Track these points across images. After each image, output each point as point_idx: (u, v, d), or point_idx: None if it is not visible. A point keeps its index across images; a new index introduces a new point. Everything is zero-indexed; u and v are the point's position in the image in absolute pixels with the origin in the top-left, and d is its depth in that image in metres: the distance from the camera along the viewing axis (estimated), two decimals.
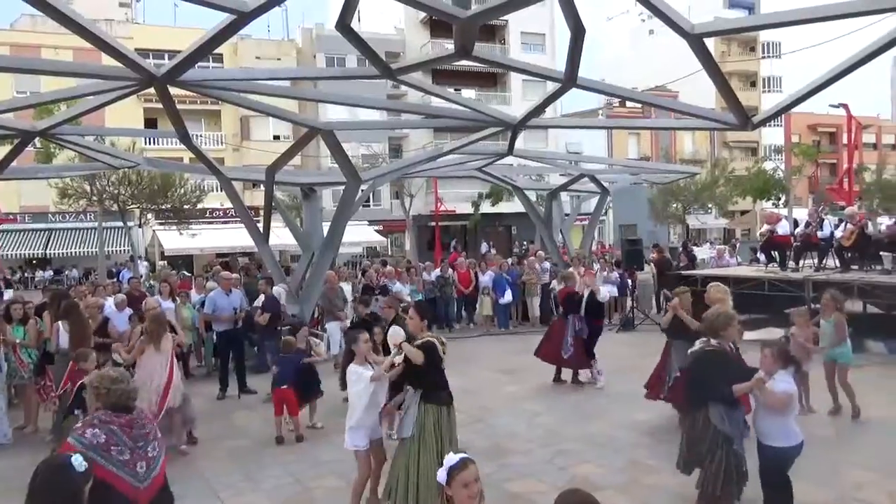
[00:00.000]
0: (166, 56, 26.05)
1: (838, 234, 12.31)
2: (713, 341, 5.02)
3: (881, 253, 12.02)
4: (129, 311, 9.58)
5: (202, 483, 6.32)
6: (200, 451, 7.20)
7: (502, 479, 6.14)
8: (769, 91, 52.37)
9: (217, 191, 27.32)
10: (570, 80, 7.72)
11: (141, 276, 18.24)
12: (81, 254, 30.97)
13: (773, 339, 4.95)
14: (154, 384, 6.80)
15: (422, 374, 5.03)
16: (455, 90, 29.25)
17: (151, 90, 7.81)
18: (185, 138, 9.72)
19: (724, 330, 5.00)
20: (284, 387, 7.54)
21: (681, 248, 20.49)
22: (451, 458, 2.85)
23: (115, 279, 20.30)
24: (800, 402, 7.44)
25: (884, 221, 12.83)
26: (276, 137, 34.62)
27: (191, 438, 7.44)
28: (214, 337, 10.40)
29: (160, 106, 8.60)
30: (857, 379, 9.36)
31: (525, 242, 28.58)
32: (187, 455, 7.00)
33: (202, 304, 10.74)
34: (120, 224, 26.33)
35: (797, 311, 8.05)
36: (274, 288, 10.69)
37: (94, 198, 23.58)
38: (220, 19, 6.21)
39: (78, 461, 2.77)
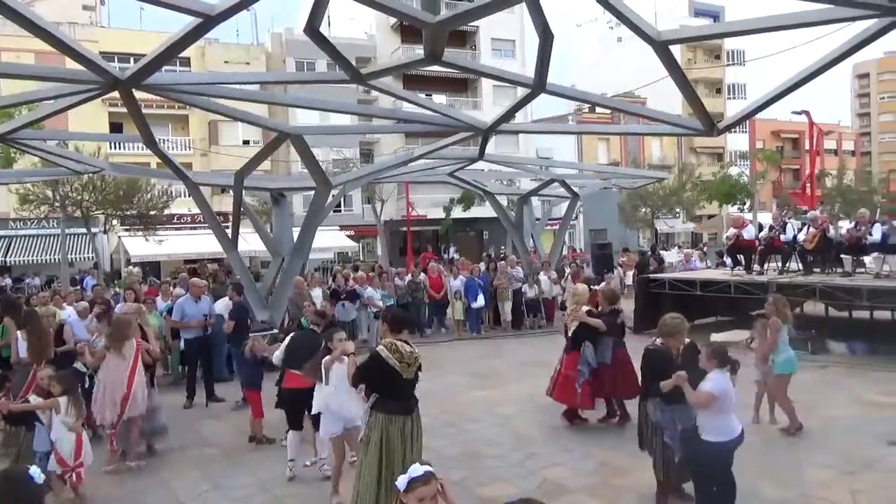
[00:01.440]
0: (132, 60, 25.63)
1: (801, 237, 12.59)
2: (658, 341, 5.40)
3: (842, 256, 12.31)
4: (91, 318, 9.37)
5: (168, 494, 6.20)
6: (166, 461, 7.06)
7: (474, 483, 6.14)
8: (734, 98, 53.49)
9: (185, 196, 26.90)
10: (539, 85, 7.78)
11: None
12: (43, 261, 30.17)
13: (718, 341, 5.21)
14: (115, 392, 6.61)
15: (370, 383, 4.98)
16: (426, 95, 29.24)
17: (116, 94, 7.67)
18: (151, 143, 9.55)
19: (672, 336, 5.33)
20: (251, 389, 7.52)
21: (649, 252, 20.80)
22: (416, 469, 2.82)
23: (78, 287, 19.82)
24: (756, 411, 7.59)
25: (844, 225, 13.14)
26: (246, 142, 34.25)
27: (150, 450, 7.28)
28: (182, 344, 10.23)
29: (125, 110, 8.45)
30: (820, 380, 9.62)
31: (503, 248, 28.61)
32: (142, 468, 6.83)
33: (169, 311, 10.56)
34: (84, 230, 25.77)
35: (759, 322, 7.88)
36: (217, 303, 10.48)
37: (57, 204, 23.03)
38: (186, 23, 6.13)
39: (36, 473, 2.73)
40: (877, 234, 11.53)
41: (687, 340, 5.36)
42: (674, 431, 5.13)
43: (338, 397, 5.60)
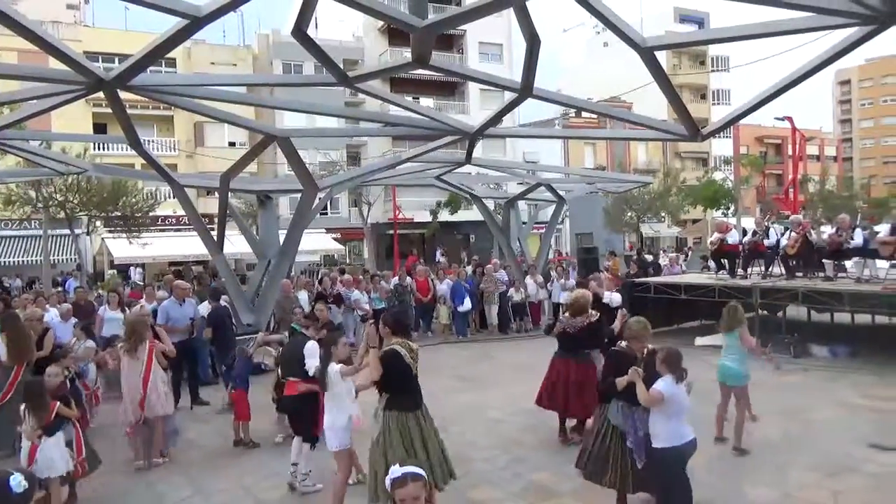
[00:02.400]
0: (117, 60, 25.46)
1: (784, 242, 12.73)
2: (623, 343, 5.44)
3: (824, 260, 12.45)
4: (74, 320, 9.28)
5: (152, 497, 6.15)
6: (153, 464, 6.99)
7: (462, 486, 6.13)
8: (718, 103, 54.04)
9: (170, 198, 26.73)
10: (526, 89, 7.82)
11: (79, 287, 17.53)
12: (25, 263, 29.81)
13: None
14: (132, 393, 6.71)
15: (384, 381, 4.99)
16: (413, 99, 29.29)
17: (101, 94, 7.61)
18: (135, 144, 9.48)
19: (636, 339, 5.29)
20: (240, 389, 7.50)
21: (635, 256, 20.92)
22: (395, 471, 2.79)
23: (60, 288, 19.61)
24: (723, 419, 7.19)
25: (826, 230, 13.30)
26: (232, 144, 34.06)
27: (162, 454, 7.22)
28: None
29: (110, 111, 8.38)
30: (802, 383, 9.73)
31: (475, 256, 28.47)
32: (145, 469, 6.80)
33: (154, 313, 10.45)
34: (67, 232, 25.49)
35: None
36: (201, 306, 10.43)
37: (40, 205, 22.76)
38: (173, 23, 6.10)
39: (17, 481, 2.66)
40: (858, 238, 11.67)
41: (650, 346, 5.28)
42: (635, 436, 5.11)
43: (347, 405, 5.46)
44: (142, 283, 21.29)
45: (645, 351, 5.21)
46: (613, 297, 8.69)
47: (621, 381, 4.99)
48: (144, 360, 6.82)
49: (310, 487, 6.10)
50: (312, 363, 6.04)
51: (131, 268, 28.89)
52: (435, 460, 5.00)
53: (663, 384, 4.75)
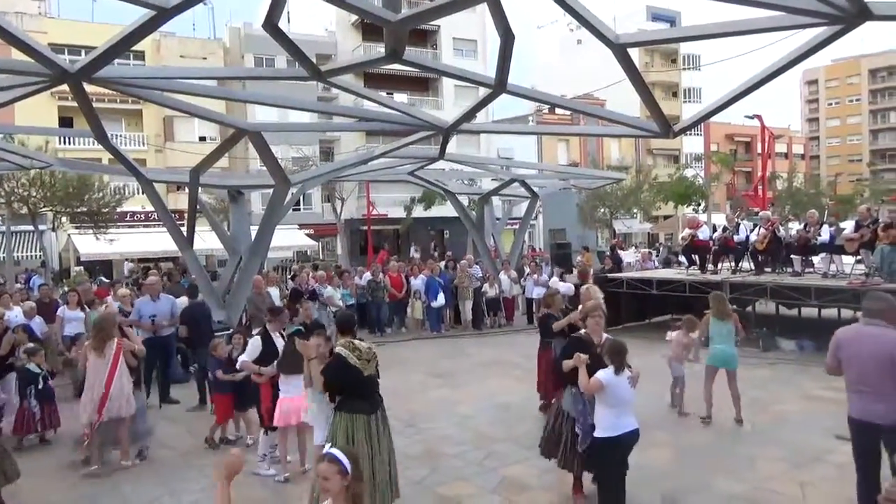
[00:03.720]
0: (83, 52, 24.83)
1: (753, 238, 12.94)
2: (583, 331, 5.63)
3: (792, 256, 12.69)
4: (38, 319, 9.06)
5: (119, 499, 6.02)
6: (119, 465, 6.85)
7: (434, 482, 6.14)
8: (690, 101, 54.68)
9: (138, 193, 26.23)
10: (500, 85, 7.81)
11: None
12: None
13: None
14: (95, 392, 6.53)
15: (333, 389, 4.96)
16: (387, 94, 29.12)
17: (66, 87, 7.42)
18: (101, 138, 9.27)
19: (588, 313, 5.64)
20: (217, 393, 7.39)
21: (608, 251, 21.09)
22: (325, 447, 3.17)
23: (24, 285, 19.12)
24: (676, 404, 8.01)
25: (794, 227, 13.56)
26: (202, 139, 33.54)
27: (140, 455, 7.07)
28: None
29: (76, 104, 8.19)
30: (770, 376, 9.91)
31: (448, 251, 28.49)
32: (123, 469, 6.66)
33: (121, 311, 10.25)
34: (31, 228, 24.86)
35: (686, 318, 8.29)
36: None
37: (2, 200, 22.16)
38: (140, 14, 5.96)
39: None
40: (825, 234, 11.92)
41: (609, 336, 5.47)
42: (584, 423, 5.27)
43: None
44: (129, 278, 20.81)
45: (603, 339, 5.37)
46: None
47: (567, 364, 5.17)
48: (111, 359, 6.66)
49: (264, 470, 6.19)
50: (241, 357, 6.51)
51: (125, 262, 28.52)
52: (380, 478, 4.82)
53: (603, 374, 4.91)
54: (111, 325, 6.91)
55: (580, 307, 7.17)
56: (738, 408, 7.62)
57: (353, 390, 4.91)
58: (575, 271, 16.93)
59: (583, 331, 5.63)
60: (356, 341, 5.00)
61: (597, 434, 4.97)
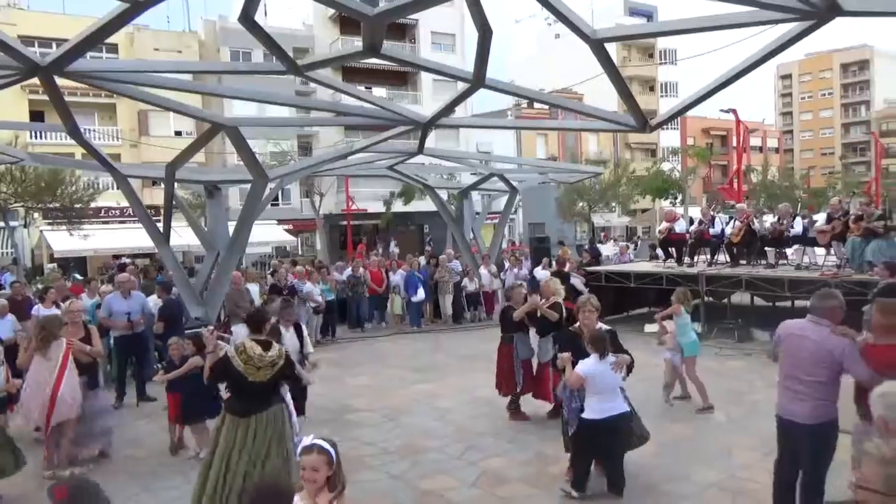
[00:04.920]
0: (54, 45, 24.35)
1: (728, 230, 13.12)
2: (577, 324, 5.96)
3: (766, 248, 12.88)
4: (10, 317, 8.88)
5: None
6: (95, 464, 6.77)
7: (415, 476, 6.16)
8: (666, 95, 55.21)
9: (113, 188, 25.84)
10: (478, 80, 7.83)
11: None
12: None
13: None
14: (39, 396, 6.23)
15: (217, 382, 5.18)
16: (366, 88, 28.96)
17: (37, 81, 7.28)
18: (74, 133, 9.12)
19: (578, 318, 5.95)
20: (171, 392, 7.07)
21: (587, 245, 21.25)
22: (305, 440, 3.03)
23: None
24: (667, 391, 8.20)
25: (768, 219, 13.77)
26: (178, 133, 33.13)
27: (102, 455, 6.91)
28: (111, 343, 9.81)
29: (48, 98, 8.03)
30: (745, 367, 10.06)
31: (428, 246, 28.59)
32: (81, 471, 6.55)
33: (97, 308, 10.10)
34: (1, 224, 24.40)
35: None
36: (147, 300, 10.08)
37: None
38: (112, 6, 5.87)
39: None
40: (798, 227, 12.12)
41: (604, 327, 5.79)
42: (570, 407, 5.63)
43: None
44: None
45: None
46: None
47: (559, 364, 5.60)
48: (58, 360, 6.33)
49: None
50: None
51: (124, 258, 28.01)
52: (247, 480, 4.64)
53: (583, 365, 5.30)
54: (55, 325, 6.54)
55: (528, 299, 7.72)
56: (703, 395, 7.93)
57: (233, 392, 5.00)
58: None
59: (577, 324, 5.93)
60: (252, 344, 4.90)
61: (584, 415, 5.35)
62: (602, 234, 29.59)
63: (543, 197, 37.47)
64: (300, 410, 6.72)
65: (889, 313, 4.34)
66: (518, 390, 7.70)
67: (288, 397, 5.52)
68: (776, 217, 13.05)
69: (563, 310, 7.49)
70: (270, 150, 31.23)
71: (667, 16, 59.66)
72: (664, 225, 14.34)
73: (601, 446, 5.42)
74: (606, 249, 26.62)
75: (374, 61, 8.93)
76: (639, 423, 5.95)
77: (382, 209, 36.15)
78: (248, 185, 11.74)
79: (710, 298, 13.15)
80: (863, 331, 4.75)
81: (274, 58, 7.33)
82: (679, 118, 41.80)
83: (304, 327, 7.54)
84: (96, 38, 6.35)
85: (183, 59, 32.11)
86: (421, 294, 15.07)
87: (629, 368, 5.53)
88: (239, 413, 4.85)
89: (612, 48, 7.28)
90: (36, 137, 30.11)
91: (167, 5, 50.55)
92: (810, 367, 4.32)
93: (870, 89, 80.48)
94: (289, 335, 6.87)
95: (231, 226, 12.40)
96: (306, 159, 23.83)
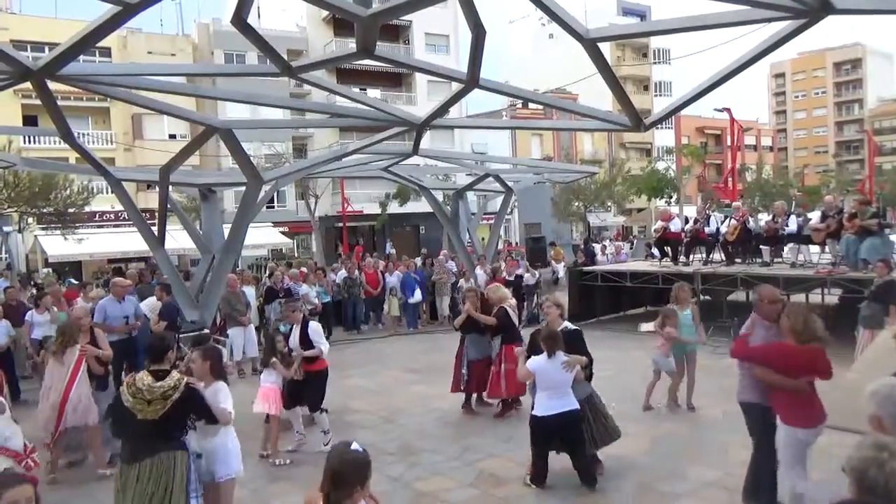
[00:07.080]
0: (46, 49, 24.30)
1: (723, 229, 13.15)
2: (544, 323, 6.23)
3: (761, 246, 12.91)
4: (5, 322, 8.86)
5: (92, 503, 5.93)
6: (90, 469, 6.74)
7: (412, 478, 6.15)
8: (660, 95, 55.33)
9: (107, 192, 25.78)
10: (472, 80, 7.82)
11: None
12: None
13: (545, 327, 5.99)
14: (51, 400, 6.28)
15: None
16: (360, 90, 28.97)
17: (30, 85, 7.25)
18: (67, 137, 9.08)
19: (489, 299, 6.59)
20: None
21: (583, 245, 21.27)
22: (354, 444, 2.80)
23: None
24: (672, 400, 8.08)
25: (763, 218, 13.81)
26: (172, 136, 33.05)
27: (111, 461, 6.91)
28: None
29: (40, 102, 8.00)
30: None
31: (423, 248, 28.53)
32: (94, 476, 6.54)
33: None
34: None
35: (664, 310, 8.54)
36: (143, 303, 10.08)
37: None
38: (104, 10, 5.85)
39: None
40: (792, 225, 12.15)
41: (570, 326, 6.02)
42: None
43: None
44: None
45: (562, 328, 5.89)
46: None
47: (516, 355, 6.10)
48: (71, 365, 6.38)
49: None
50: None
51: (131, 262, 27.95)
52: None
53: (532, 361, 5.53)
54: (76, 330, 6.62)
55: (466, 306, 8.06)
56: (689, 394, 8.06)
57: (120, 433, 4.32)
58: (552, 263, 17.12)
59: (544, 322, 6.19)
60: (146, 376, 4.12)
61: (532, 411, 5.59)
62: (614, 233, 29.64)
63: (539, 197, 37.59)
64: (314, 408, 7.05)
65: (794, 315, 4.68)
66: (462, 388, 8.14)
67: (204, 443, 4.42)
68: (771, 215, 13.08)
69: (511, 313, 7.95)
70: (265, 153, 31.20)
71: (660, 15, 59.76)
72: (659, 224, 14.36)
73: (553, 442, 5.61)
74: (601, 249, 26.66)
75: (368, 63, 8.94)
76: (603, 422, 5.93)
77: (378, 211, 36.13)
78: (243, 188, 11.71)
79: (707, 297, 13.18)
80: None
81: (268, 60, 7.32)
82: (673, 117, 41.95)
83: (312, 325, 7.19)
84: (88, 42, 6.33)
85: (176, 62, 32.05)
86: (418, 295, 15.04)
87: (585, 368, 5.70)
88: (124, 459, 4.10)
89: (605, 48, 7.29)
90: (29, 142, 30.04)
91: (160, 8, 50.47)
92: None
93: (862, 87, 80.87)
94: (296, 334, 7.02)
95: (226, 229, 12.37)
96: (301, 161, 23.75)
